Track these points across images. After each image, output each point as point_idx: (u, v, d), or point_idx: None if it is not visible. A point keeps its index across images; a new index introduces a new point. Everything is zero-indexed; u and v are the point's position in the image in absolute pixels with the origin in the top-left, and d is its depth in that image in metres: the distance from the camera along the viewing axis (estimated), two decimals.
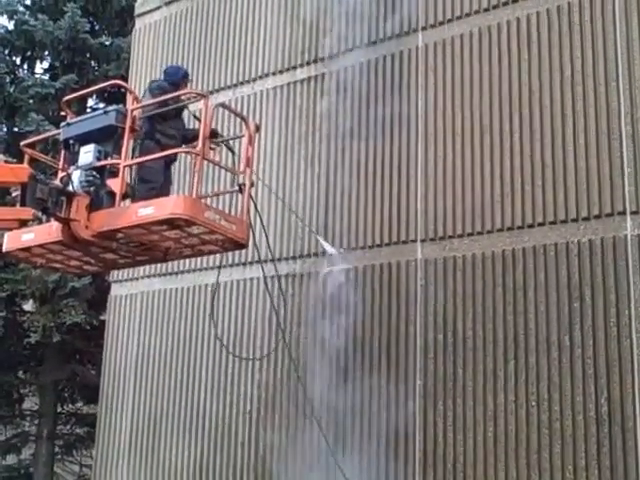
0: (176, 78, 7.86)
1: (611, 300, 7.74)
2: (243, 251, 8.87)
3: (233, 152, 7.93)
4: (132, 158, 7.26)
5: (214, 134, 7.63)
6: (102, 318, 14.92)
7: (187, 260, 9.95)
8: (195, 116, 8.00)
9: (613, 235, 7.86)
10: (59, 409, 18.40)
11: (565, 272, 8.05)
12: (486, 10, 9.17)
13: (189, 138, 7.88)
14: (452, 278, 8.74)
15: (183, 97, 7.78)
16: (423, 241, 9.06)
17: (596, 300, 7.81)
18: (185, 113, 8.36)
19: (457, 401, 8.40)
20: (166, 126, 7.43)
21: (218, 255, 8.49)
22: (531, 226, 8.36)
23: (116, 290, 12.06)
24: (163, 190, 7.39)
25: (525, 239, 8.37)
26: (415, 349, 8.80)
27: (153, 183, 7.29)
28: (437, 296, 8.79)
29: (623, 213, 7.85)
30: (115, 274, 11.94)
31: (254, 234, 7.85)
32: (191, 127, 8.36)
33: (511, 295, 8.31)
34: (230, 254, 9.44)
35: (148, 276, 11.47)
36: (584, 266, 7.96)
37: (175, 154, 7.70)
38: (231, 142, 8.69)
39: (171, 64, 10.27)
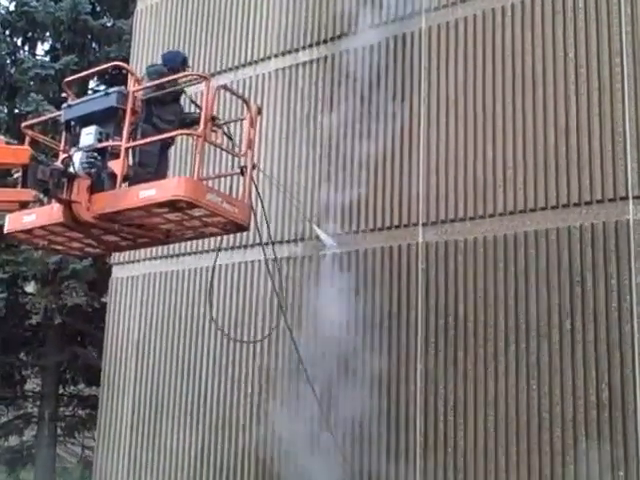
0: (174, 64, 7.77)
1: (612, 285, 7.73)
2: (244, 233, 8.86)
3: (231, 138, 7.87)
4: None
5: (212, 118, 7.58)
6: (103, 300, 14.95)
7: (188, 242, 9.94)
8: (192, 101, 7.95)
9: (615, 220, 7.84)
10: (61, 391, 18.47)
11: (567, 257, 8.04)
12: None
13: (187, 122, 7.82)
14: (453, 262, 8.74)
15: (184, 79, 7.72)
16: (424, 225, 9.04)
17: (597, 285, 7.81)
18: (182, 99, 8.30)
19: (458, 385, 8.41)
20: (164, 111, 7.37)
21: (218, 237, 8.47)
22: (533, 210, 8.34)
23: (117, 272, 12.06)
24: (159, 174, 7.35)
25: (527, 223, 8.36)
26: (416, 333, 8.81)
27: (149, 167, 7.25)
28: (438, 280, 8.79)
29: (625, 198, 7.83)
30: (116, 256, 11.94)
31: (255, 217, 7.84)
32: (188, 112, 8.30)
33: (512, 279, 8.31)
34: (231, 236, 9.42)
35: (149, 258, 11.47)
36: (586, 251, 7.95)
37: (172, 138, 7.66)
38: (233, 124, 8.67)
39: (170, 49, 10.17)
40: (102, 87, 17.25)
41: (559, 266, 8.06)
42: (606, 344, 7.66)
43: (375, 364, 9.00)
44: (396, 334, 8.95)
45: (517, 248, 8.35)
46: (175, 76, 7.38)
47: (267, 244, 9.14)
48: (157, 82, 7.31)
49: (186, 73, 7.76)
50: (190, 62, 11.44)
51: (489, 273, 8.47)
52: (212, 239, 9.51)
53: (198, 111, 7.92)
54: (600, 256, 7.87)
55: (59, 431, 18.17)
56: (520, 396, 8.02)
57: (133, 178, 7.08)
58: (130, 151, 7.16)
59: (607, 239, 7.86)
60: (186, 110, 8.17)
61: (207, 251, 10.67)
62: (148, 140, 7.13)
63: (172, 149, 9.37)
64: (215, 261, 8.80)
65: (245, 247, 10.37)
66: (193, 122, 7.87)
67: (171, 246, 10.46)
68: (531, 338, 8.07)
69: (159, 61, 8.08)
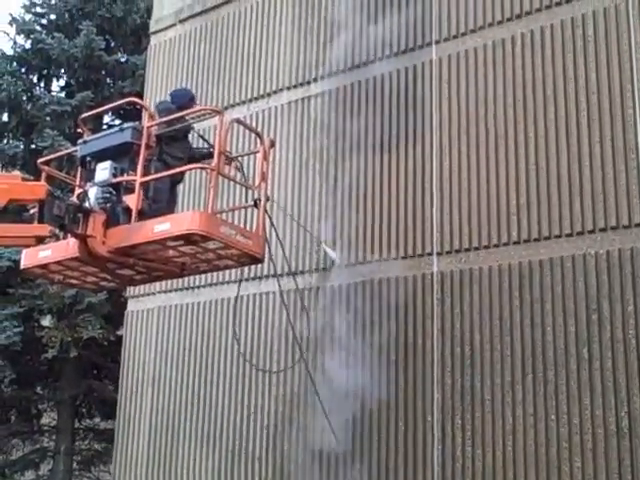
0: (184, 101, 7.88)
1: (629, 312, 7.68)
2: (259, 265, 8.87)
3: (239, 170, 7.92)
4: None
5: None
6: (119, 333, 14.97)
7: (203, 275, 9.96)
8: (201, 136, 8.01)
9: (631, 246, 7.81)
10: (77, 424, 18.45)
11: (582, 284, 8.00)
12: (499, 23, 9.18)
13: (196, 158, 7.90)
14: (468, 291, 8.71)
15: (197, 114, 7.80)
16: (439, 254, 9.03)
17: (614, 312, 7.75)
18: (191, 135, 8.37)
19: (475, 415, 8.35)
20: (173, 148, 7.44)
21: (234, 269, 8.49)
22: (547, 238, 8.32)
23: (133, 305, 12.10)
24: (169, 209, 7.41)
25: (541, 251, 8.33)
26: (433, 362, 8.76)
27: (160, 202, 7.31)
28: (454, 309, 8.76)
29: None
30: (132, 289, 11.98)
31: (270, 248, 7.86)
32: (196, 147, 8.38)
33: (528, 308, 8.27)
34: (246, 268, 9.44)
35: (164, 291, 11.50)
36: (601, 278, 7.91)
37: (182, 174, 7.73)
38: (246, 157, 8.73)
39: (178, 86, 10.25)
40: (117, 122, 17.50)
41: (575, 294, 8.02)
42: (625, 372, 7.58)
43: (392, 394, 8.95)
44: (412, 364, 8.90)
45: (532, 276, 8.32)
46: (190, 110, 7.47)
47: (282, 275, 9.16)
48: (169, 118, 7.38)
49: (200, 108, 7.86)
50: (203, 96, 11.70)
51: (504, 302, 8.44)
52: (227, 271, 9.57)
53: (207, 146, 8.01)
54: (616, 283, 7.82)
55: (75, 465, 18.12)
56: (538, 426, 7.94)
57: (146, 213, 7.13)
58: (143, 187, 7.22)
59: (623, 266, 7.81)
60: (194, 145, 8.25)
61: (222, 283, 10.71)
62: (163, 174, 7.19)
63: (185, 183, 9.48)
64: (238, 293, 8.84)
65: (260, 278, 10.38)
66: (202, 157, 7.96)
67: (186, 278, 10.49)
68: (548, 367, 8.01)
69: (168, 98, 8.18)
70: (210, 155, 7.99)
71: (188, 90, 8.62)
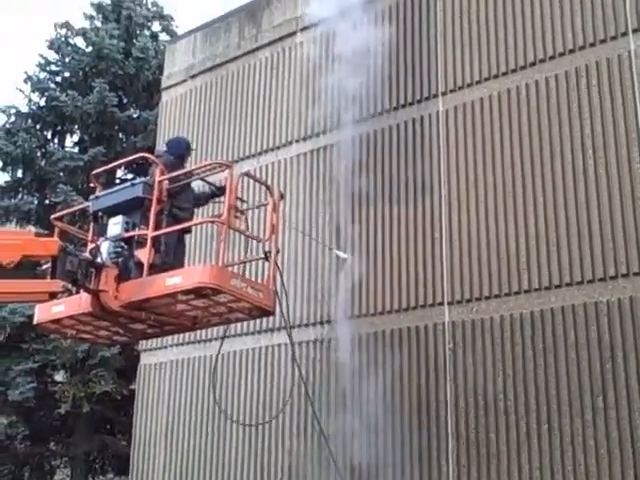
0: (181, 150, 8.04)
1: None
2: (270, 317, 8.87)
3: (246, 223, 7.97)
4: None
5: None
6: (132, 387, 14.91)
7: (215, 328, 9.96)
8: (203, 179, 8.08)
9: None
10: None
11: (595, 332, 7.96)
12: (504, 74, 9.32)
13: (201, 203, 8.01)
14: (481, 341, 8.68)
15: (207, 168, 7.90)
16: (450, 304, 9.02)
17: (628, 360, 7.70)
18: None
19: (491, 467, 8.24)
20: (180, 200, 7.52)
21: (245, 322, 8.50)
22: (558, 286, 8.32)
23: (146, 359, 12.08)
24: (177, 262, 7.46)
25: (553, 300, 8.32)
26: (446, 413, 8.69)
27: (169, 256, 7.36)
28: (466, 359, 8.71)
29: None
30: (144, 343, 11.97)
31: (280, 301, 7.87)
32: (200, 191, 8.47)
33: (541, 357, 8.22)
34: (257, 320, 9.45)
35: (177, 344, 11.51)
36: (614, 326, 7.87)
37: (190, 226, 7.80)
38: (256, 209, 8.81)
39: (173, 136, 10.35)
40: (130, 176, 17.69)
41: (588, 342, 7.98)
42: None
43: (406, 447, 8.86)
44: (426, 416, 8.83)
45: (544, 325, 8.29)
46: (200, 165, 7.56)
47: (293, 327, 9.15)
48: (178, 173, 7.46)
49: (210, 162, 7.94)
50: (214, 149, 11.86)
51: (517, 351, 8.39)
52: (238, 324, 9.56)
53: (208, 187, 8.08)
54: (629, 330, 7.79)
55: None
56: (556, 476, 7.84)
57: (157, 266, 7.17)
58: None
59: (635, 313, 7.79)
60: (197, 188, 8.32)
61: (234, 336, 10.69)
62: (174, 229, 7.25)
63: (197, 232, 9.52)
64: (218, 349, 8.78)
65: (272, 331, 10.38)
66: (207, 199, 8.05)
67: (198, 331, 10.48)
68: (563, 417, 7.93)
69: (164, 147, 8.30)
70: (214, 194, 8.11)
71: (183, 138, 8.76)
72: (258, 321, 9.56)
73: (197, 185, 8.51)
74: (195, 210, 8.11)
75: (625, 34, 8.55)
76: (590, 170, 8.42)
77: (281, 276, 7.88)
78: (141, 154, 8.26)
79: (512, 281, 8.62)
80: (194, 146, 11.92)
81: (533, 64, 9.12)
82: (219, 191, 8.04)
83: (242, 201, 7.66)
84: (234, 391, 10.59)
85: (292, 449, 9.83)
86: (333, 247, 9.99)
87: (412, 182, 9.70)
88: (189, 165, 8.13)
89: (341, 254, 9.97)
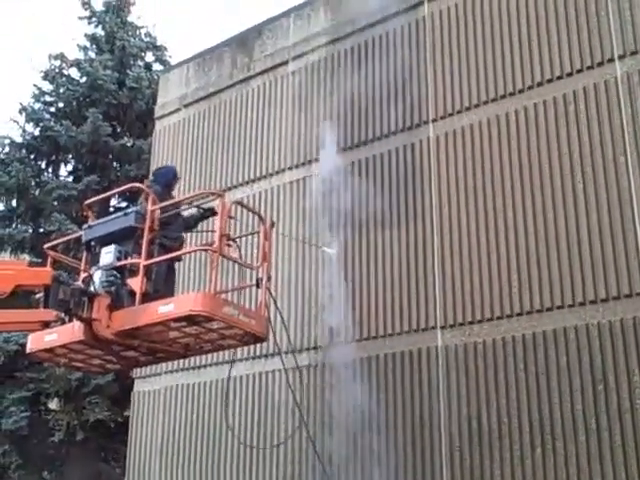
0: (167, 179, 8.15)
1: (635, 382, 7.66)
2: (264, 343, 8.89)
3: (239, 256, 7.99)
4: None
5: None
6: (126, 414, 14.85)
7: (208, 354, 9.97)
8: (198, 206, 8.14)
9: (633, 316, 7.84)
10: None
11: (587, 355, 8.00)
12: (494, 100, 9.43)
13: (191, 226, 8.10)
14: (474, 364, 8.70)
15: (198, 196, 7.96)
16: (443, 328, 9.06)
17: (620, 382, 7.73)
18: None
19: None
20: (169, 229, 7.58)
21: (238, 348, 8.51)
22: (550, 309, 8.36)
23: (139, 386, 12.06)
24: (167, 290, 7.50)
25: (545, 322, 8.36)
26: (440, 439, 8.68)
27: (158, 284, 7.39)
28: (459, 383, 8.73)
29: None
30: (138, 370, 11.96)
31: (273, 327, 7.90)
32: (188, 215, 8.53)
33: (534, 380, 8.24)
34: (251, 347, 9.45)
35: (171, 371, 11.49)
36: (606, 348, 7.91)
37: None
38: (249, 236, 8.86)
39: (160, 166, 10.46)
40: (123, 204, 17.75)
41: (580, 365, 8.01)
42: (634, 442, 7.51)
43: (400, 472, 8.84)
44: (420, 440, 8.82)
45: (537, 348, 8.32)
46: (192, 195, 7.62)
47: (287, 353, 9.16)
48: (169, 203, 7.52)
49: (202, 192, 8.00)
50: (207, 177, 11.93)
51: (510, 375, 8.42)
52: (231, 350, 9.56)
53: (196, 209, 8.14)
54: (620, 353, 7.82)
55: None
56: None
57: (149, 294, 7.21)
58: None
59: (626, 335, 7.83)
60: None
61: (227, 362, 10.66)
62: (166, 257, 7.30)
63: (188, 260, 9.55)
64: (229, 372, 8.77)
65: (266, 357, 10.39)
66: (197, 222, 8.11)
67: (191, 358, 10.49)
68: (557, 439, 7.94)
69: (151, 177, 8.38)
70: (204, 217, 8.16)
71: (170, 167, 8.86)
72: (251, 347, 9.54)
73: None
74: (186, 236, 8.17)
75: (611, 60, 8.68)
76: (580, 195, 8.50)
77: (275, 303, 7.92)
78: (132, 184, 8.34)
79: (504, 304, 8.67)
80: (188, 174, 12.07)
81: (522, 91, 9.23)
82: (208, 212, 8.11)
83: (232, 218, 7.70)
84: (229, 417, 10.55)
85: (287, 474, 9.79)
86: (320, 244, 10.02)
87: (404, 208, 9.77)
88: (177, 193, 8.19)
89: (329, 250, 10.04)
